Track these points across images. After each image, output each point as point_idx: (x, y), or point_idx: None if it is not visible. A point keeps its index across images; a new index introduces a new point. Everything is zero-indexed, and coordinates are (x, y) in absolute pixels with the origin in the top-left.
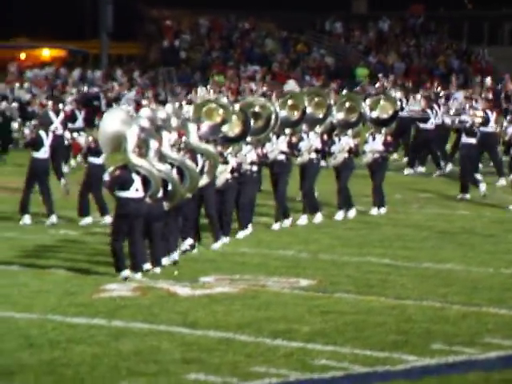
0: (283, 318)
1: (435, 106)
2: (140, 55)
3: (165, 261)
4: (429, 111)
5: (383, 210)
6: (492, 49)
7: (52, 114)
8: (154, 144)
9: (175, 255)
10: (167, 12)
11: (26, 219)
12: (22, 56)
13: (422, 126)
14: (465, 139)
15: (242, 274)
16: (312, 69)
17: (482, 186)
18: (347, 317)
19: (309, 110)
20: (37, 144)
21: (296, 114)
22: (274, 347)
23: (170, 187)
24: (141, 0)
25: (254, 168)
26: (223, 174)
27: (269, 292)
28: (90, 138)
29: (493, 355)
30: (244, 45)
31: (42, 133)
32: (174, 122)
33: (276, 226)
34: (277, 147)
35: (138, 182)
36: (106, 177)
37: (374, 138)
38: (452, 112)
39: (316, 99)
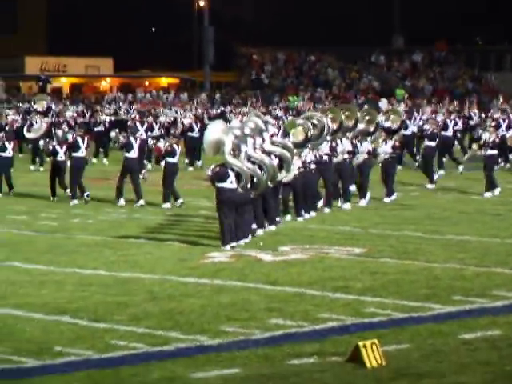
0: (342, 277)
1: (407, 120)
2: (234, 82)
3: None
4: (407, 122)
5: (394, 197)
6: (497, 74)
7: (138, 125)
8: (244, 148)
9: (260, 231)
10: (254, 49)
11: (121, 201)
12: (146, 83)
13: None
14: (426, 142)
15: (310, 244)
16: (362, 91)
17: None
18: (390, 276)
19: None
20: (128, 147)
21: (335, 125)
22: (334, 299)
23: (255, 180)
24: (234, 40)
25: (312, 166)
26: (293, 172)
27: (331, 258)
28: (167, 143)
29: (499, 304)
30: (311, 73)
31: (132, 139)
32: (258, 131)
33: (326, 210)
34: (321, 151)
35: (232, 176)
36: (209, 172)
37: (386, 143)
38: (416, 123)
39: (346, 113)
